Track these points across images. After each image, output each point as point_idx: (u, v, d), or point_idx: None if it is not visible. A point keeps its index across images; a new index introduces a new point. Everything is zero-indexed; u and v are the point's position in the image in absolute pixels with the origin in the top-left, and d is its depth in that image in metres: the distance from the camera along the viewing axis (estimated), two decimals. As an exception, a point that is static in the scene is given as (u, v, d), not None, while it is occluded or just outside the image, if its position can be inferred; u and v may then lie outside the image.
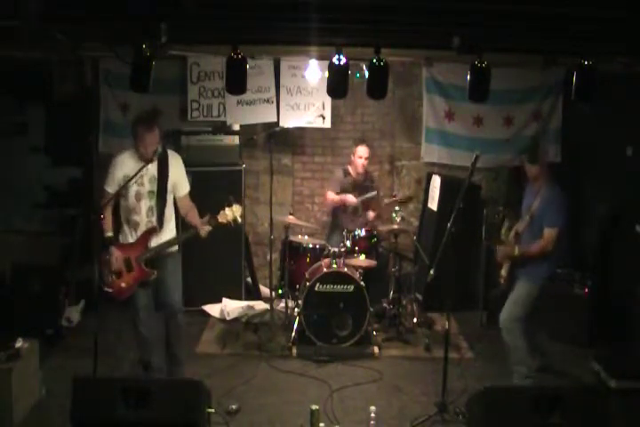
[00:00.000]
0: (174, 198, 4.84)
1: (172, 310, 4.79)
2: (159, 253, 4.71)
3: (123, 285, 4.69)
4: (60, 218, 6.74)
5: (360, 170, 6.46)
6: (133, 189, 4.68)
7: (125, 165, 4.68)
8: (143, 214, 4.71)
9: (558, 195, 4.84)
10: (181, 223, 5.06)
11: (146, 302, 4.80)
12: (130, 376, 4.85)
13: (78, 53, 5.97)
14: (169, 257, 4.78)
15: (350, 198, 6.36)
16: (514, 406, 3.60)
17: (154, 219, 4.71)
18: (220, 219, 4.69)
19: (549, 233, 4.75)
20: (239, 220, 4.75)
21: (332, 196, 6.48)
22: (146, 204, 4.71)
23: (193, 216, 4.79)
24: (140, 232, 4.72)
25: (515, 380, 4.93)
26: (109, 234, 4.73)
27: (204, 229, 4.68)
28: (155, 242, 4.71)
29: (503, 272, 4.99)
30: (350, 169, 6.55)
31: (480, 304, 6.45)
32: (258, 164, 7.18)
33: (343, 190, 6.52)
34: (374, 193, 6.42)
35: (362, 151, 6.42)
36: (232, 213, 4.70)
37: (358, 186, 6.53)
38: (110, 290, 4.68)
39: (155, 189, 4.70)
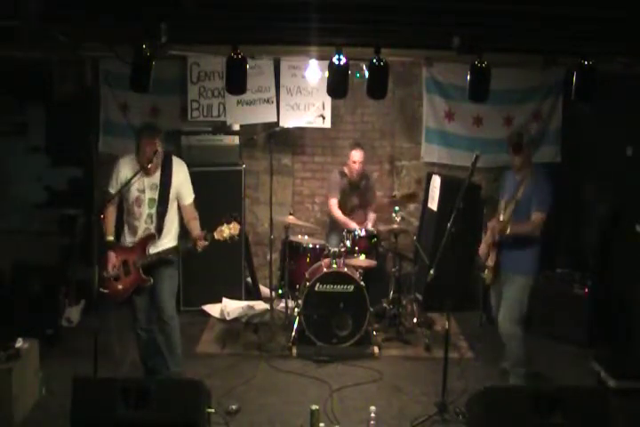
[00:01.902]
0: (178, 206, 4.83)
1: (162, 316, 4.76)
2: (157, 261, 4.70)
3: (119, 287, 4.68)
4: (60, 218, 6.73)
5: (355, 173, 6.49)
6: (134, 194, 4.68)
7: (126, 168, 4.69)
8: (142, 221, 4.71)
9: (544, 180, 4.83)
10: (183, 230, 5.06)
11: (144, 306, 4.79)
12: (130, 376, 4.85)
13: (78, 53, 5.98)
14: (166, 264, 4.76)
15: (352, 225, 6.32)
16: (514, 406, 3.60)
17: (152, 226, 4.71)
18: (217, 235, 4.60)
19: (538, 217, 4.74)
20: (236, 238, 4.67)
21: (336, 209, 6.51)
22: (145, 211, 4.70)
23: (193, 226, 4.76)
24: (138, 237, 4.72)
25: (511, 380, 4.93)
26: (110, 238, 4.73)
27: (200, 245, 4.63)
28: (153, 249, 4.70)
29: (490, 262, 4.91)
30: (346, 170, 6.56)
31: (480, 304, 6.44)
32: (258, 164, 7.18)
33: (341, 192, 6.55)
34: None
35: (356, 156, 6.42)
36: (229, 230, 4.61)
37: (355, 186, 6.56)
38: (107, 291, 4.67)
39: (156, 196, 4.69)
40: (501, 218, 4.90)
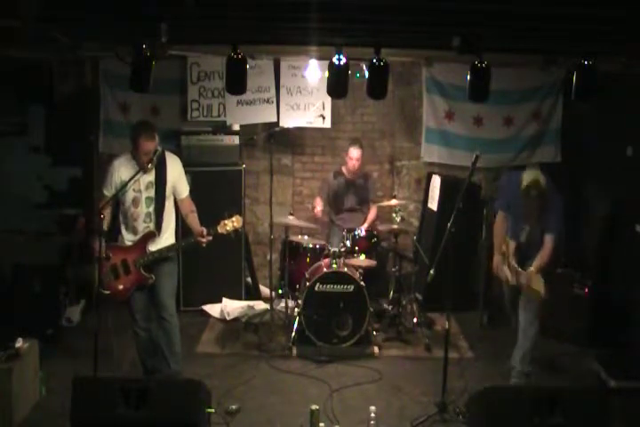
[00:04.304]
0: (175, 201, 4.83)
1: (163, 314, 4.76)
2: (157, 258, 4.70)
3: (120, 287, 4.68)
4: (60, 218, 6.73)
5: (352, 170, 6.48)
6: (130, 195, 4.66)
7: (122, 170, 4.66)
8: (141, 220, 4.70)
9: (555, 197, 4.79)
10: (181, 226, 5.06)
11: (143, 305, 4.79)
12: (130, 376, 4.85)
13: (78, 53, 5.97)
14: (166, 261, 4.77)
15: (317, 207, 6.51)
16: (514, 406, 3.60)
17: (152, 225, 4.71)
18: (220, 229, 4.66)
19: (551, 239, 4.74)
20: (239, 231, 4.75)
21: (318, 205, 6.58)
22: (143, 210, 4.69)
23: (192, 219, 4.78)
24: (138, 237, 4.71)
25: (513, 378, 4.93)
26: (104, 228, 4.67)
27: (203, 241, 4.65)
28: (153, 247, 4.70)
29: (509, 275, 4.90)
30: (344, 169, 6.55)
31: (480, 304, 6.45)
32: (258, 164, 7.18)
33: (336, 191, 6.54)
34: None
35: (353, 153, 6.42)
36: (232, 223, 4.67)
37: (352, 185, 6.54)
38: (107, 292, 4.67)
39: (152, 194, 4.69)
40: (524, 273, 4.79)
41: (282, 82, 6.79)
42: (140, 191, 4.67)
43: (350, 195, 6.55)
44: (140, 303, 4.78)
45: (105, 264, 4.63)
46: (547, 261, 4.78)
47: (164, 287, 4.74)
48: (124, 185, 4.57)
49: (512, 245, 4.95)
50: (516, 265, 4.87)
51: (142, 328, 4.83)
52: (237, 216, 4.72)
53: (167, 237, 4.77)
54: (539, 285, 4.77)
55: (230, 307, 6.42)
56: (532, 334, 4.88)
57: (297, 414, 4.49)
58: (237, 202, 6.46)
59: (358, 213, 6.56)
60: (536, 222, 4.83)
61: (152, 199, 4.69)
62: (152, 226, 4.70)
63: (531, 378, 4.89)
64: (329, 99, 6.58)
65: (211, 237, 4.67)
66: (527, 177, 4.73)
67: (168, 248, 4.72)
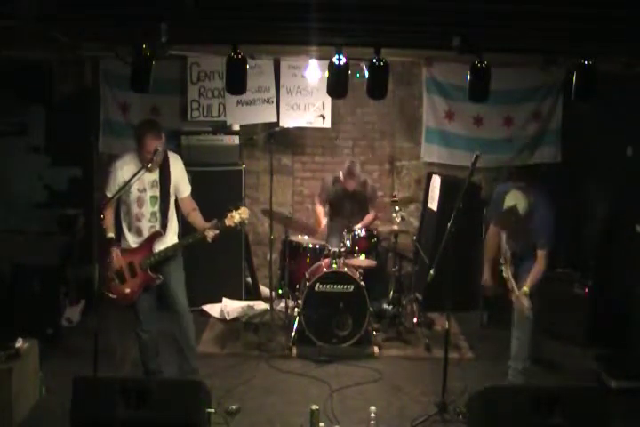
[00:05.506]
0: (176, 200, 4.82)
1: (176, 308, 4.74)
2: (163, 258, 4.69)
3: (127, 291, 4.63)
4: (60, 218, 6.73)
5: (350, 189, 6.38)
6: (134, 195, 4.62)
7: (125, 169, 4.61)
8: (145, 220, 4.66)
9: (549, 214, 4.68)
10: (182, 225, 5.05)
11: (147, 306, 4.76)
12: (130, 376, 4.85)
13: (78, 53, 5.97)
14: (171, 259, 4.75)
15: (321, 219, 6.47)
16: (514, 406, 3.61)
17: (157, 224, 4.67)
18: (228, 222, 4.62)
19: (544, 254, 4.70)
20: (246, 222, 4.73)
21: (320, 216, 6.55)
22: (148, 209, 4.65)
23: (195, 217, 4.76)
24: (143, 237, 4.67)
25: (509, 376, 4.93)
26: (110, 235, 4.66)
27: (210, 235, 4.62)
28: (159, 246, 4.68)
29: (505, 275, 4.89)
30: (342, 177, 6.45)
31: (480, 304, 6.45)
32: (258, 164, 7.18)
33: (333, 198, 6.50)
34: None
35: (350, 186, 6.30)
36: (239, 215, 4.65)
37: (349, 194, 6.44)
38: (114, 296, 4.63)
39: (157, 193, 4.66)
40: (516, 288, 4.74)
41: (282, 82, 6.80)
42: (144, 191, 4.63)
43: (348, 202, 6.46)
44: (145, 305, 4.75)
45: (112, 270, 4.62)
46: (539, 277, 4.74)
47: (173, 283, 4.72)
48: (126, 184, 4.55)
49: (508, 253, 4.91)
50: (513, 281, 4.79)
51: (145, 330, 4.80)
52: (243, 207, 4.70)
53: (172, 237, 4.76)
54: (526, 302, 4.69)
55: (230, 307, 6.42)
56: (523, 327, 4.85)
57: (297, 414, 4.50)
58: (237, 202, 6.45)
59: (357, 218, 6.49)
60: (525, 238, 4.78)
61: (157, 198, 4.66)
62: (158, 225, 4.67)
63: (526, 376, 4.88)
64: (329, 99, 6.59)
65: (217, 231, 4.64)
66: (508, 200, 4.74)
67: (174, 247, 4.70)
